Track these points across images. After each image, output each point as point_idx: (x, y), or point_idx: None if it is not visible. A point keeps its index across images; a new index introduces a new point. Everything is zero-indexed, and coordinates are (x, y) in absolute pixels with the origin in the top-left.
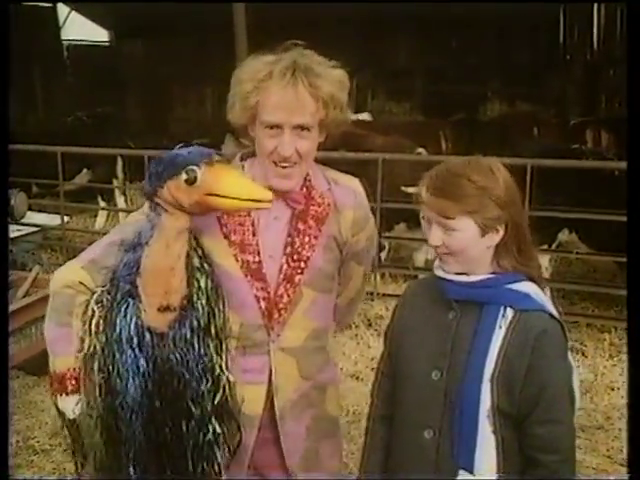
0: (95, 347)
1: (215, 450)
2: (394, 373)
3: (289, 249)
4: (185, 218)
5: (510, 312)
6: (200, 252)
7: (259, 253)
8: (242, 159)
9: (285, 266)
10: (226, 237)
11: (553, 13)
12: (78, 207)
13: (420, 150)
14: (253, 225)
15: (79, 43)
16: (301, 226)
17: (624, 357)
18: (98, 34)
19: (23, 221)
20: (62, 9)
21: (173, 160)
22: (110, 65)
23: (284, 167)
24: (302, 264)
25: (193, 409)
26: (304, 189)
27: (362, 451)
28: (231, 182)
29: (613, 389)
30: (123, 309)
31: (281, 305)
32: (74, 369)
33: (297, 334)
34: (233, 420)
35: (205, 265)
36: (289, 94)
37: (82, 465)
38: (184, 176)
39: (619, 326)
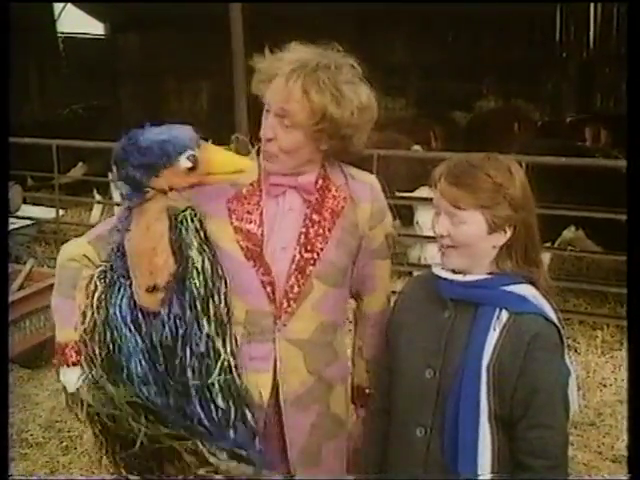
0: (96, 322)
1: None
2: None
3: (303, 239)
4: (165, 199)
5: (505, 314)
6: (202, 234)
7: (262, 243)
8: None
9: (298, 257)
10: (232, 224)
11: (549, 10)
12: (73, 200)
13: (416, 147)
14: (261, 215)
15: (75, 36)
16: (316, 217)
17: (616, 354)
18: (94, 27)
19: (18, 214)
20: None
21: (164, 148)
22: (106, 58)
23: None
24: (314, 255)
25: (195, 385)
26: (320, 181)
27: (360, 442)
28: (222, 158)
29: (605, 386)
30: (116, 289)
31: (291, 295)
32: (76, 342)
33: (305, 326)
34: (239, 401)
35: (205, 247)
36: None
37: (106, 442)
38: (187, 164)
39: (611, 323)
